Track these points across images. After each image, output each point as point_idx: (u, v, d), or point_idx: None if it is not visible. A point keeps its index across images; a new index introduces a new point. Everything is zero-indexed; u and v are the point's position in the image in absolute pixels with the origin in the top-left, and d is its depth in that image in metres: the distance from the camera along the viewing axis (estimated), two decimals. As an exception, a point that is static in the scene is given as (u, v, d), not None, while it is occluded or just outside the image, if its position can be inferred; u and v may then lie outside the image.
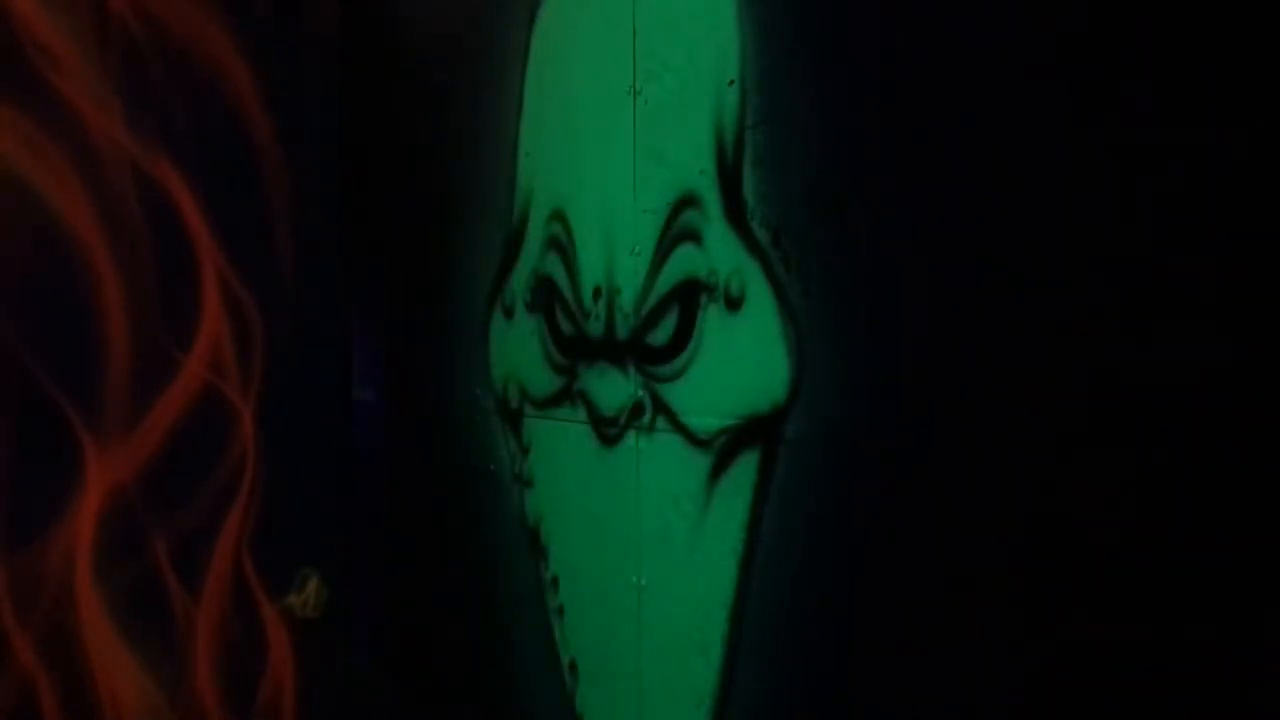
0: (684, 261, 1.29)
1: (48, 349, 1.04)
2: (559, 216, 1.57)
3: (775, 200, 1.14)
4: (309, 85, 1.24)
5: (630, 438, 1.41)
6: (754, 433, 1.17)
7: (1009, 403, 0.88)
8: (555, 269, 1.58)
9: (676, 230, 1.30)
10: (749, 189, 1.18)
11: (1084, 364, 0.82)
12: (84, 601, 1.05)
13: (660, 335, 1.33)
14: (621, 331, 1.43)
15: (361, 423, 1.89)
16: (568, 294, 1.56)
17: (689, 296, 1.28)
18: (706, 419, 1.24)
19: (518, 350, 1.69)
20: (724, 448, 1.22)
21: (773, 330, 1.14)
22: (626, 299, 1.42)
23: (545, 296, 1.60)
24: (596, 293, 1.50)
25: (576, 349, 1.55)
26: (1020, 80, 0.87)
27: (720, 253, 1.22)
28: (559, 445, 1.61)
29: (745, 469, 1.18)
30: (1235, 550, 0.72)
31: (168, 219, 1.10)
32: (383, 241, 2.14)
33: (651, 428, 1.36)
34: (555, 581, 1.63)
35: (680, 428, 1.30)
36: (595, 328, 1.50)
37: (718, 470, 1.23)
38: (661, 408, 1.34)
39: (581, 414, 1.54)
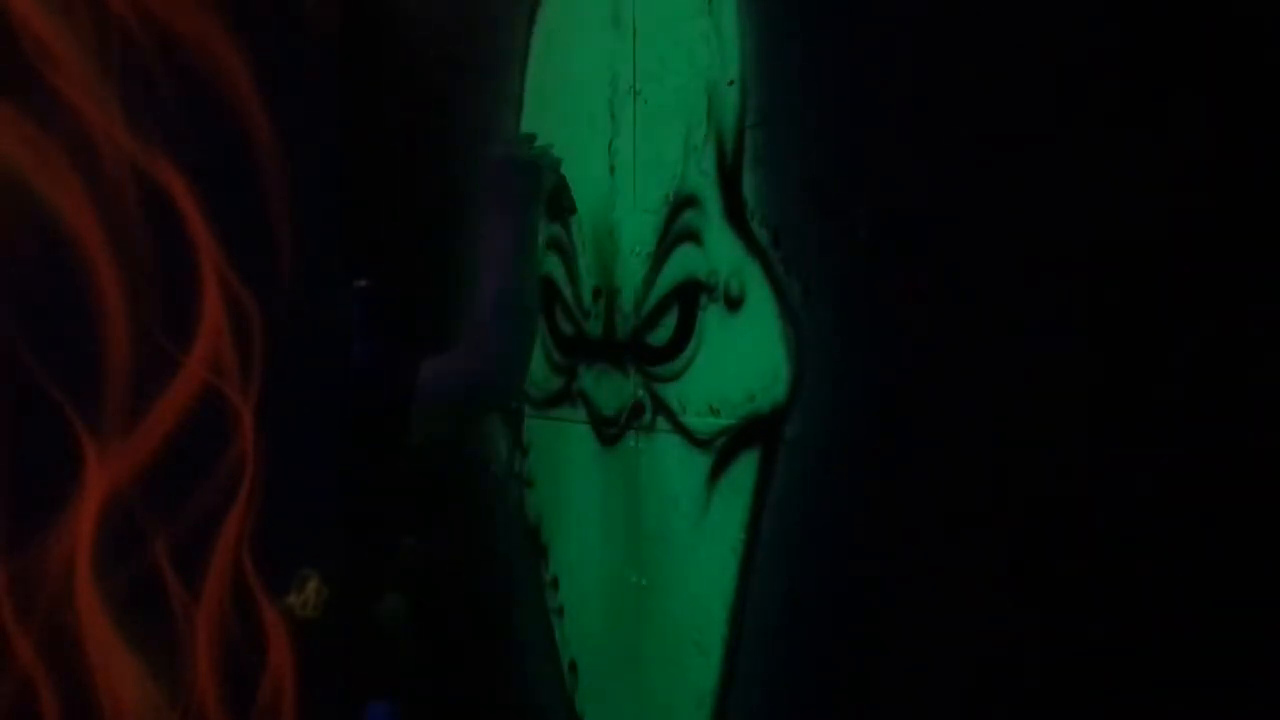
0: (684, 261, 1.29)
1: (48, 349, 1.04)
2: (559, 216, 1.57)
3: (775, 200, 1.14)
4: (309, 85, 1.24)
5: (630, 438, 1.41)
6: (754, 433, 1.17)
7: (1010, 403, 0.88)
8: (555, 269, 1.58)
9: (676, 230, 1.30)
10: (749, 189, 1.18)
11: (1088, 365, 0.82)
12: (84, 601, 1.04)
13: (660, 335, 1.33)
14: (621, 331, 1.43)
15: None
16: (567, 294, 1.56)
17: (689, 296, 1.28)
18: (706, 419, 1.24)
19: (518, 350, 1.69)
20: (724, 448, 1.22)
21: (773, 330, 1.14)
22: (626, 299, 1.42)
23: (545, 297, 1.60)
24: (596, 293, 1.50)
25: (576, 349, 1.55)
26: (1024, 80, 0.87)
27: (720, 253, 1.22)
28: (559, 445, 1.61)
29: (745, 469, 1.18)
30: (1237, 556, 0.72)
31: (167, 219, 1.10)
32: (383, 241, 2.14)
33: (651, 428, 1.36)
34: (555, 581, 1.63)
35: (680, 428, 1.30)
36: (595, 328, 1.50)
37: (718, 470, 1.23)
38: (661, 408, 1.34)
39: (581, 414, 1.54)
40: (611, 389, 1.46)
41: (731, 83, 1.20)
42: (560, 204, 1.52)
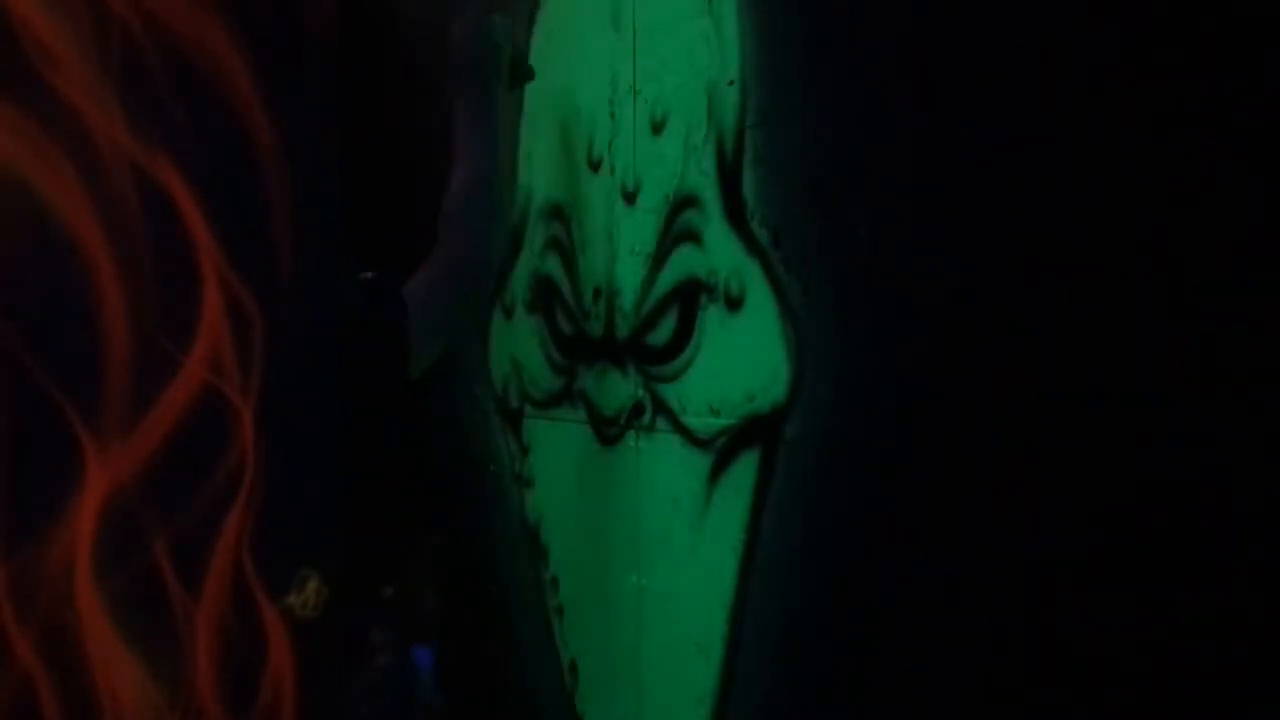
0: (684, 261, 1.29)
1: (47, 349, 1.04)
2: (559, 216, 1.57)
3: (775, 200, 1.14)
4: (309, 85, 1.24)
5: (630, 438, 1.41)
6: (754, 433, 1.17)
7: (1010, 403, 0.88)
8: (555, 269, 1.58)
9: (676, 230, 1.30)
10: (749, 189, 1.18)
11: (1088, 365, 0.82)
12: (84, 601, 1.04)
13: (660, 335, 1.33)
14: (621, 331, 1.43)
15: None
16: (567, 294, 1.56)
17: (689, 296, 1.28)
18: (706, 419, 1.24)
19: (517, 350, 1.69)
20: (724, 448, 1.22)
21: (773, 330, 1.14)
22: (626, 299, 1.42)
23: (545, 297, 1.60)
24: (596, 293, 1.50)
25: (576, 349, 1.55)
26: (1025, 79, 0.87)
27: (720, 253, 1.22)
28: (559, 445, 1.61)
29: (745, 469, 1.18)
30: (1240, 557, 0.72)
31: (168, 219, 1.10)
32: (384, 241, 2.14)
33: (651, 428, 1.36)
34: (555, 582, 1.63)
35: (680, 428, 1.30)
36: (595, 328, 1.50)
37: (718, 470, 1.23)
38: (661, 408, 1.34)
39: (581, 414, 1.54)
40: (611, 389, 1.46)
41: (731, 83, 1.20)
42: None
